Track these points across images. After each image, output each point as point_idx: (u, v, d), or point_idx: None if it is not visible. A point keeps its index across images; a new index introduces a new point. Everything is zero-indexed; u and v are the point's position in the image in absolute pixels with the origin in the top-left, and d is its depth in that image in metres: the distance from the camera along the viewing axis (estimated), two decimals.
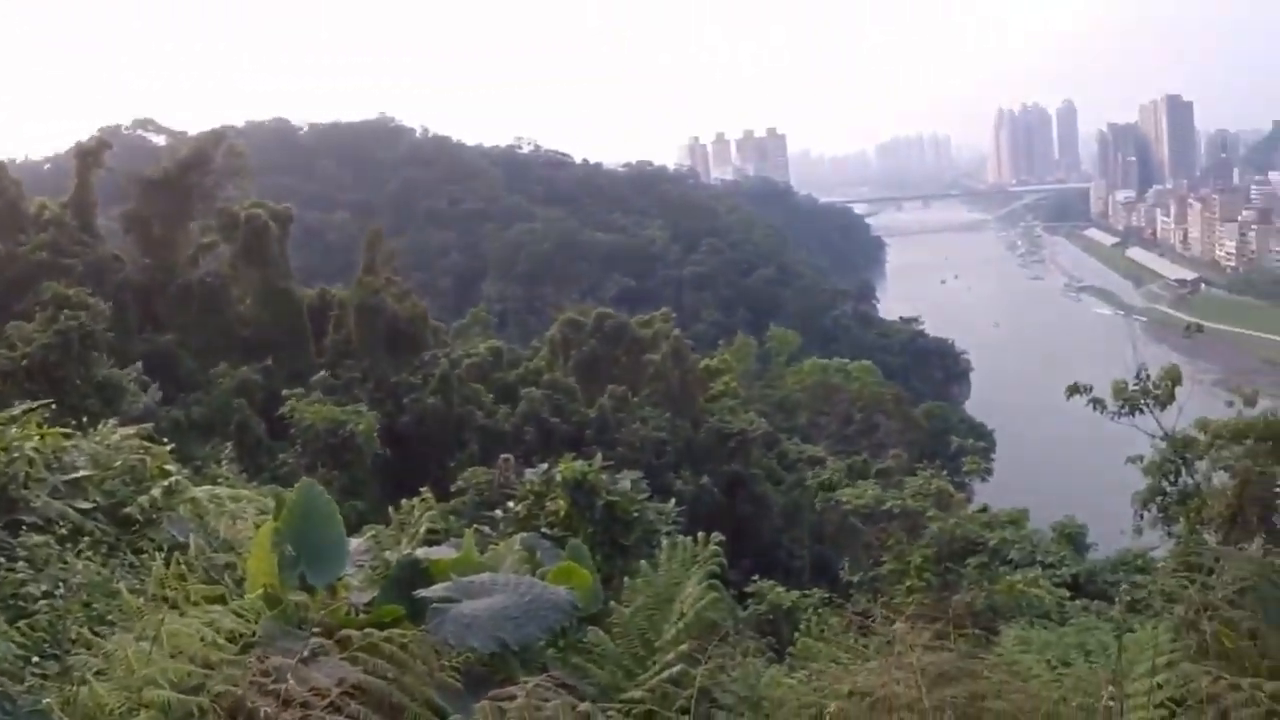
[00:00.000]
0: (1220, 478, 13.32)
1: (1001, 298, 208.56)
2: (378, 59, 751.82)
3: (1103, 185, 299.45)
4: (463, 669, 4.43)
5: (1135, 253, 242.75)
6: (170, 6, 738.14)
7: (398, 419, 45.90)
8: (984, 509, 18.89)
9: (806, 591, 19.23)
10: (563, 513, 15.28)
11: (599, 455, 16.45)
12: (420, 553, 5.72)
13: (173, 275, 51.94)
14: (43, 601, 4.86)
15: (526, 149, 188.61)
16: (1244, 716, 3.69)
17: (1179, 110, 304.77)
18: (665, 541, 6.35)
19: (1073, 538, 17.28)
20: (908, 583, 16.17)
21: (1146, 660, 4.12)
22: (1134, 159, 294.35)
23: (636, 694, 4.65)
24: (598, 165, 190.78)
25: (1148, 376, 14.32)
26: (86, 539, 6.02)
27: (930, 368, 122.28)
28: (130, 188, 55.71)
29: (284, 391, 40.18)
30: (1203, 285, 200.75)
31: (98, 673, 3.93)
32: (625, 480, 15.67)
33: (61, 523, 6.09)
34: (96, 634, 4.41)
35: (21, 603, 4.88)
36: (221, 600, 4.76)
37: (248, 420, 41.87)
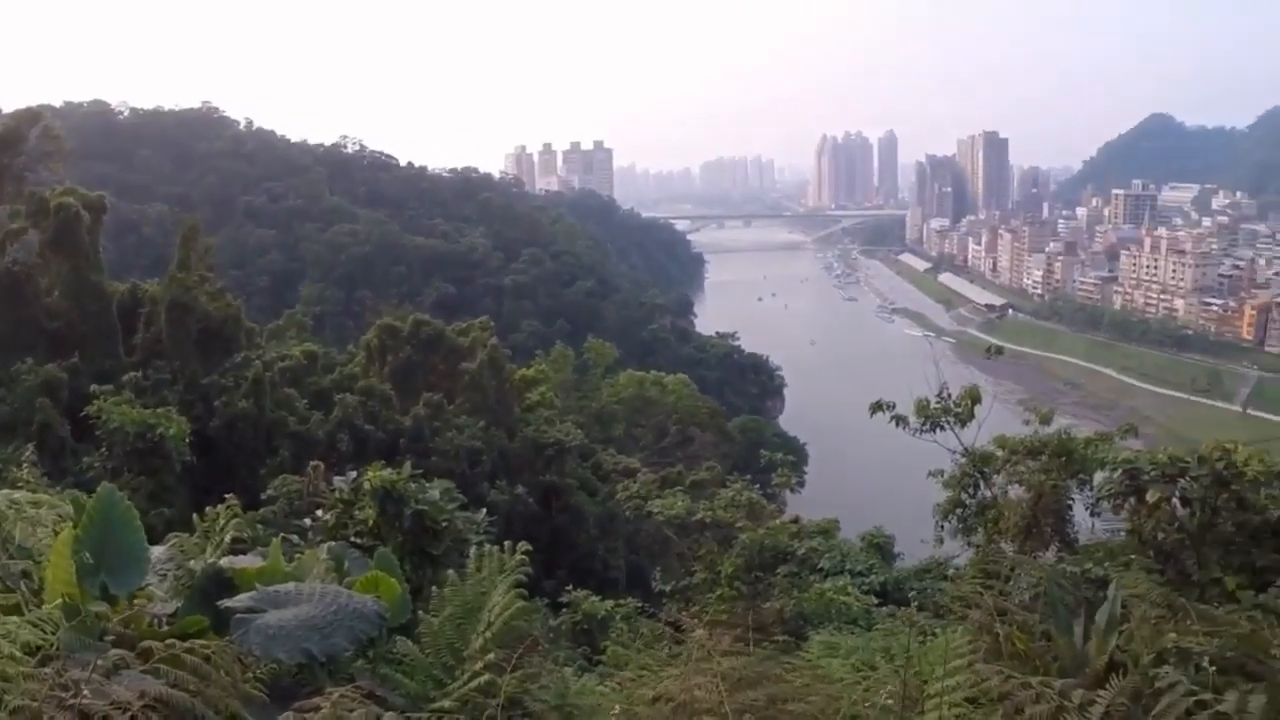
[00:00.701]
0: (1016, 491, 13.98)
1: (817, 317, 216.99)
2: (204, 45, 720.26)
3: (919, 213, 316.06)
4: (269, 681, 4.33)
5: (947, 278, 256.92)
6: None
7: (208, 423, 43.62)
8: (795, 520, 19.31)
9: (620, 601, 19.26)
10: (371, 522, 14.82)
11: (408, 464, 16.00)
12: (225, 562, 5.53)
13: None
14: None
15: (351, 148, 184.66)
16: (1034, 713, 3.81)
17: (995, 146, 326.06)
18: (474, 551, 6.17)
19: (880, 547, 17.79)
20: (719, 591, 16.40)
21: (944, 662, 4.20)
22: (950, 190, 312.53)
23: (445, 704, 4.59)
24: (423, 169, 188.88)
25: (949, 395, 14.92)
26: None
27: (746, 383, 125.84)
28: None
29: (93, 388, 37.66)
30: (1011, 311, 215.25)
31: None
32: (435, 489, 15.32)
33: None
34: None
35: None
36: (18, 610, 4.48)
37: (51, 420, 39.06)
